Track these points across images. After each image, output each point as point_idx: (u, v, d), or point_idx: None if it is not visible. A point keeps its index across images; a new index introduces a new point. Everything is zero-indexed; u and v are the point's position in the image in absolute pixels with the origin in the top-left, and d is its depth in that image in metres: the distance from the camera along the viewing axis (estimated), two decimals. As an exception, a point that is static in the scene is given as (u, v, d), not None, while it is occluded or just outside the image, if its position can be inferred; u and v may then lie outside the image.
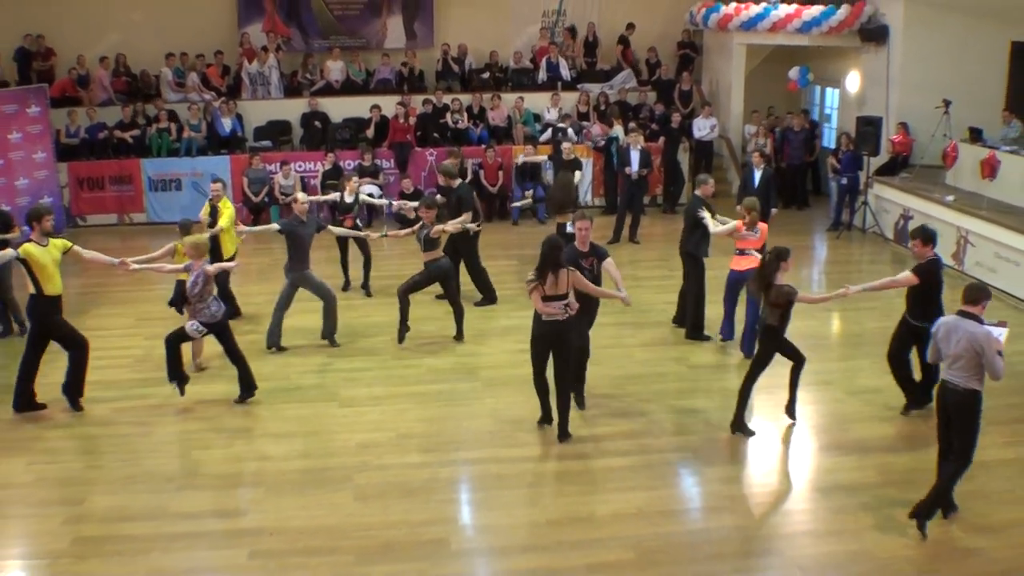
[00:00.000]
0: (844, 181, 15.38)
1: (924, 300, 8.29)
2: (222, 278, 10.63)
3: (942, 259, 8.55)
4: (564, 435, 8.13)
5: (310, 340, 10.59)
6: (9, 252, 8.56)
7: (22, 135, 15.19)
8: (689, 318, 10.64)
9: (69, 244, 8.82)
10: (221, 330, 8.78)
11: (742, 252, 9.97)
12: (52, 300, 8.58)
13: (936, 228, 13.36)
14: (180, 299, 9.87)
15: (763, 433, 8.57)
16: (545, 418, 8.38)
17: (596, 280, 8.40)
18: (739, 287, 9.99)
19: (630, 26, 18.69)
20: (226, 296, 10.86)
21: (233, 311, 11.04)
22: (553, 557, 6.47)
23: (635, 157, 14.79)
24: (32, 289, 8.51)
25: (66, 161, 15.97)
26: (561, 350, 7.94)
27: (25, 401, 8.78)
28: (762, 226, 9.97)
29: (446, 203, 11.72)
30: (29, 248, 8.42)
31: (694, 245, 10.41)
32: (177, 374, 8.80)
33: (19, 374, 8.78)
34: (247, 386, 8.96)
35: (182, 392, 8.84)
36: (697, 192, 10.57)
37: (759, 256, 9.37)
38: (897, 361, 8.68)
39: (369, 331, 10.88)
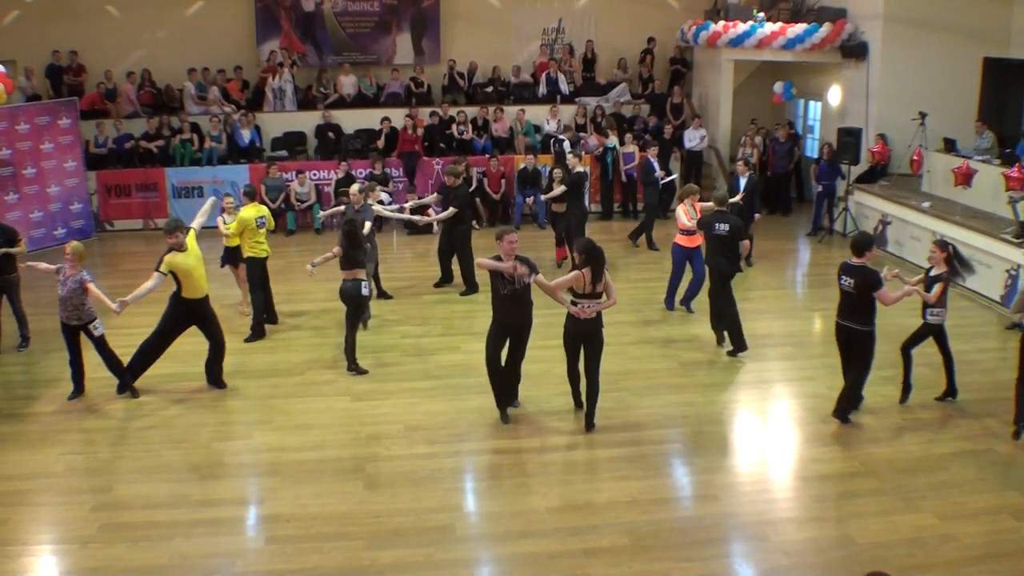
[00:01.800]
0: (819, 189, 15.38)
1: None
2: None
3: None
4: (590, 425, 8.20)
5: (324, 338, 10.58)
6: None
7: (54, 145, 15.20)
8: (734, 332, 9.99)
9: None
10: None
11: (689, 232, 10.97)
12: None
13: (913, 233, 13.48)
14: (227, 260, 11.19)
15: (749, 425, 8.57)
16: (578, 403, 8.46)
17: (526, 291, 8.05)
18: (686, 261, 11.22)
19: (651, 40, 18.75)
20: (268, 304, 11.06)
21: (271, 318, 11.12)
22: (552, 542, 6.46)
23: (656, 166, 14.65)
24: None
25: (95, 170, 15.98)
26: (590, 345, 8.03)
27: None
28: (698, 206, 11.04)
29: (444, 199, 12.28)
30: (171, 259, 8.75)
31: (730, 261, 10.05)
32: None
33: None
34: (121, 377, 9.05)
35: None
36: (725, 207, 10.36)
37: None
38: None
39: (379, 330, 10.86)
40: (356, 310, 9.72)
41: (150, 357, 9.14)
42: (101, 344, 8.87)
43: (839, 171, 15.19)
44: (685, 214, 11.03)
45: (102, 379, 9.19)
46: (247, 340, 10.53)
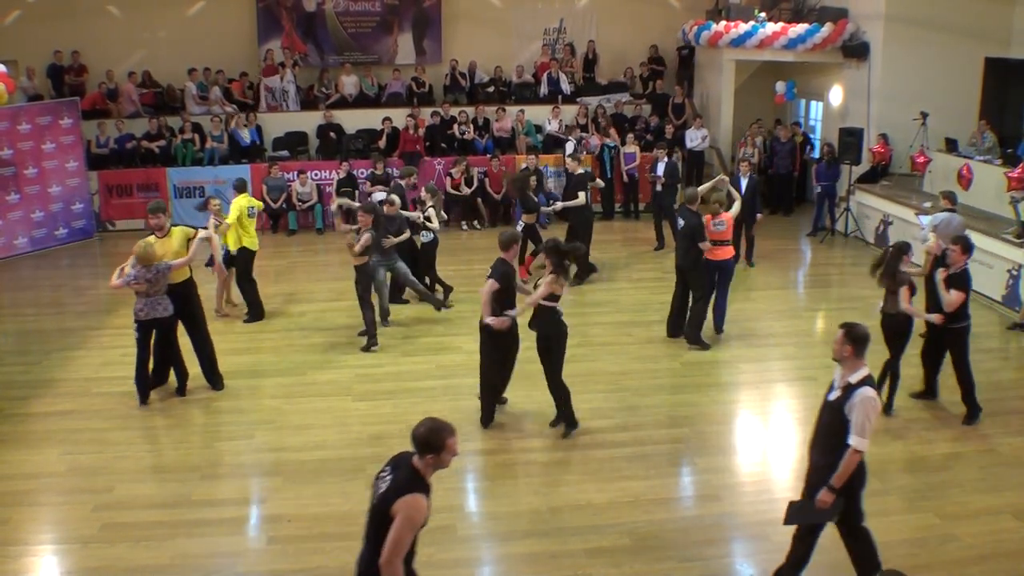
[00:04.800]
0: (819, 189, 15.38)
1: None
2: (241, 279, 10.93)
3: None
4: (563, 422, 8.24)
5: (326, 338, 10.58)
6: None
7: (55, 145, 15.21)
8: (695, 323, 10.22)
9: (192, 231, 9.00)
10: (166, 329, 8.71)
11: (716, 243, 10.09)
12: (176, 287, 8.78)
13: (915, 233, 13.45)
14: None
15: (750, 425, 8.57)
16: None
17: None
18: (715, 275, 10.21)
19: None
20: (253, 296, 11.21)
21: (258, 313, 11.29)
22: (553, 542, 6.46)
23: (660, 167, 14.46)
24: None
25: (96, 170, 15.97)
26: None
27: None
28: (726, 216, 10.16)
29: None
30: (148, 240, 8.65)
31: (683, 256, 10.20)
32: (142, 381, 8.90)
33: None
34: (181, 380, 9.03)
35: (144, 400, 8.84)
36: (692, 205, 10.23)
37: (731, 245, 10.25)
38: (930, 361, 8.67)
39: (380, 329, 10.84)
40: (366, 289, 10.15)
41: (163, 363, 9.03)
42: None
43: (838, 172, 15.21)
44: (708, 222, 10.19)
45: (104, 379, 9.21)
46: (246, 320, 10.97)
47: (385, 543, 4.22)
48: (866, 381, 5.36)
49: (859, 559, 5.74)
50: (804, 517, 5.56)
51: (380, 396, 9.01)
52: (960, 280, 8.05)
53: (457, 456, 4.57)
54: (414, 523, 4.28)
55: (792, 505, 5.57)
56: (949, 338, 8.23)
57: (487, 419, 8.29)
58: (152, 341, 8.69)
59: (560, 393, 8.06)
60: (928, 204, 13.40)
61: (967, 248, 8.16)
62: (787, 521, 5.59)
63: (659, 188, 14.44)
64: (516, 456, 7.81)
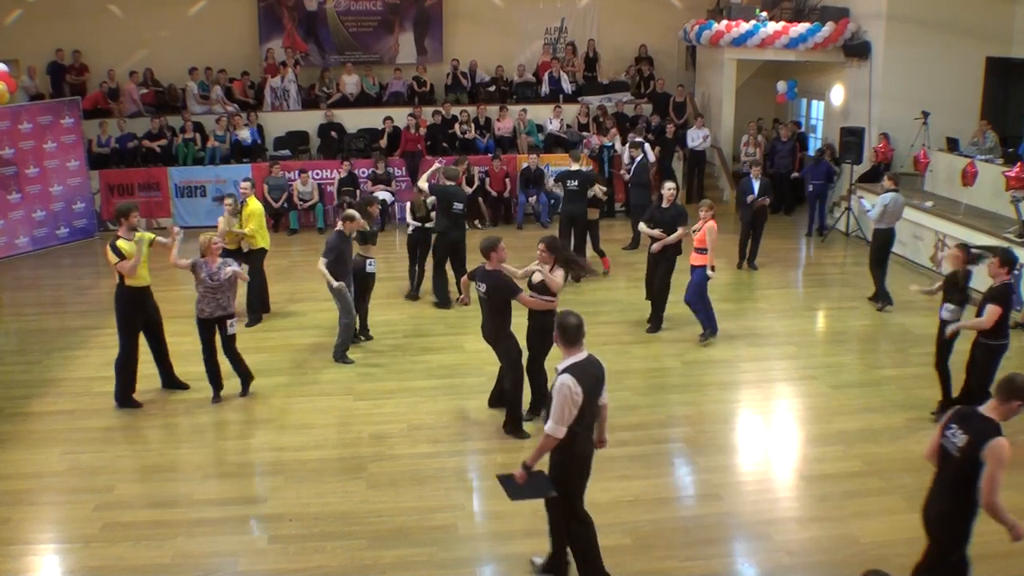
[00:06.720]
0: (811, 188, 15.37)
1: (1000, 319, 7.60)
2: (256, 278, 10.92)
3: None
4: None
5: (327, 337, 10.57)
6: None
7: (56, 145, 15.22)
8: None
9: (152, 236, 8.93)
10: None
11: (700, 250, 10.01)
12: (136, 291, 8.68)
13: (915, 232, 13.43)
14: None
15: (751, 424, 8.56)
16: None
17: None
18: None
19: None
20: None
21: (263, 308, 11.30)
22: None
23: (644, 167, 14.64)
24: (116, 280, 8.67)
25: (98, 169, 15.99)
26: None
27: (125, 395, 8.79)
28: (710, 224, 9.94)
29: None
30: (120, 243, 8.53)
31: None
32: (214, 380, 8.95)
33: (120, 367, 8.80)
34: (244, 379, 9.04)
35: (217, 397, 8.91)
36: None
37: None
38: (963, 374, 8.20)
39: (382, 328, 10.84)
40: (359, 284, 10.05)
41: (131, 368, 8.88)
42: (231, 342, 8.81)
43: (829, 172, 15.23)
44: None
45: (105, 379, 9.20)
46: (248, 325, 10.85)
47: (983, 485, 4.88)
48: (567, 368, 5.46)
49: (577, 555, 5.89)
50: (520, 492, 5.68)
51: (381, 395, 9.00)
52: (999, 294, 7.58)
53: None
54: (1004, 463, 4.88)
55: (502, 480, 5.71)
56: (979, 352, 7.77)
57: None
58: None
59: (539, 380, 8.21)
60: (929, 203, 13.40)
61: (1006, 261, 7.63)
62: (512, 496, 5.73)
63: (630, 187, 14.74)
64: (517, 455, 7.77)
